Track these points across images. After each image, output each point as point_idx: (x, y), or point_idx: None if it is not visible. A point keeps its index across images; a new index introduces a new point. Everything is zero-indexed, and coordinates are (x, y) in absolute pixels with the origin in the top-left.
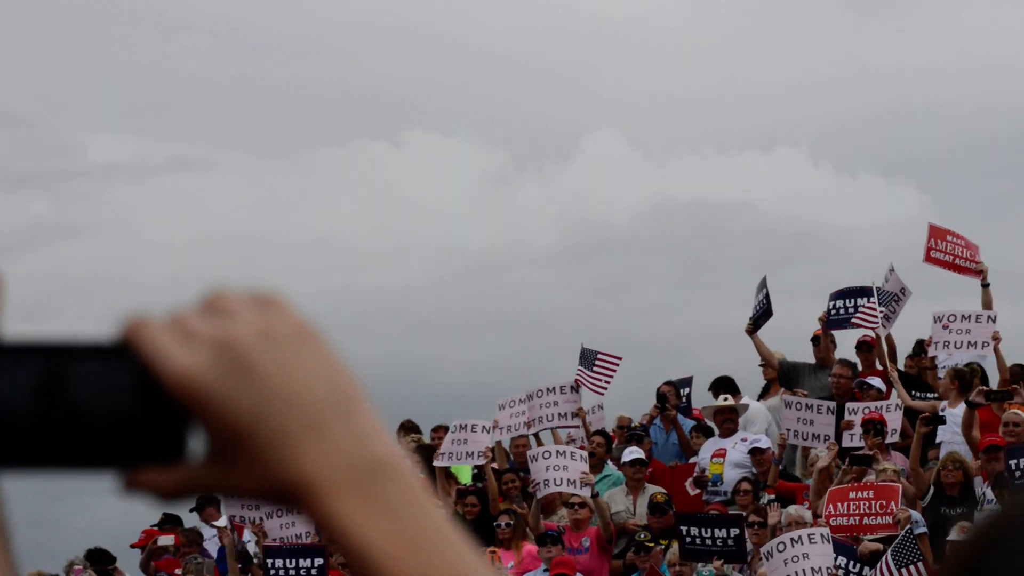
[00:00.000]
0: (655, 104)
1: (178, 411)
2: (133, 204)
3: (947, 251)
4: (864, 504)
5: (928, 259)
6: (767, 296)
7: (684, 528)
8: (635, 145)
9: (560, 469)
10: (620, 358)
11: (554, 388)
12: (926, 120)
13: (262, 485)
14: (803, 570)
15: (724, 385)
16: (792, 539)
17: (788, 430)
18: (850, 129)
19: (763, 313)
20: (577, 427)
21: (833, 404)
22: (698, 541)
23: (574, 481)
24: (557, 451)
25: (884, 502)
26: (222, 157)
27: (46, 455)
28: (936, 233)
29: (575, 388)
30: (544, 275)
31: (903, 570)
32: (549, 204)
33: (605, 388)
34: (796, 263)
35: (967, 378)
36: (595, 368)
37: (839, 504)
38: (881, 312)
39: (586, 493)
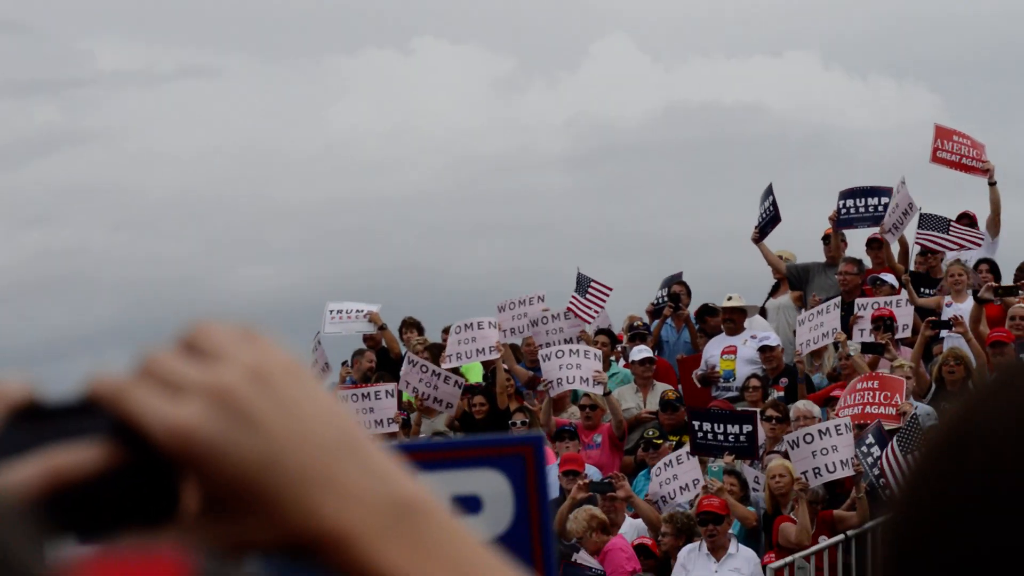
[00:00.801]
0: (664, 9)
1: (164, 469)
2: (142, 111)
3: (953, 151)
4: (868, 394)
5: (935, 159)
6: (774, 203)
7: (696, 423)
8: (645, 50)
9: (573, 367)
10: (611, 288)
11: (558, 315)
12: (936, 23)
13: (278, 538)
14: (832, 462)
15: (709, 310)
16: (820, 431)
17: (803, 342)
18: (861, 32)
19: (770, 220)
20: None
21: (838, 299)
22: (710, 436)
23: (587, 379)
24: (570, 350)
25: (888, 393)
26: (230, 64)
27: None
28: (942, 133)
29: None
30: (554, 180)
31: (908, 456)
32: (559, 110)
33: (593, 318)
34: (806, 165)
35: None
36: (587, 296)
37: (849, 396)
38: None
39: (599, 391)
